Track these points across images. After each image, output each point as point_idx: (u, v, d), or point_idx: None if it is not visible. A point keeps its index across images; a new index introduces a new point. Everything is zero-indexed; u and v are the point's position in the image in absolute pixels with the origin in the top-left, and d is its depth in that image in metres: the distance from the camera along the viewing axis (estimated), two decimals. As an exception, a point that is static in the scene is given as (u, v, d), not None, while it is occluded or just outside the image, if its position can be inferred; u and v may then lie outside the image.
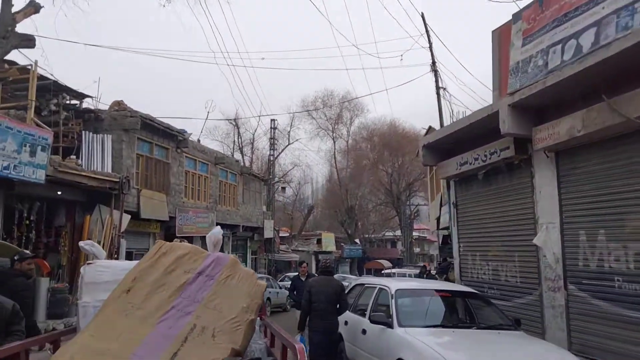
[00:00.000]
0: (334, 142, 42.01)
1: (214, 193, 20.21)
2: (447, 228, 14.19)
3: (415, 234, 53.70)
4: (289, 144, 34.52)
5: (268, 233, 25.96)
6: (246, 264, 24.54)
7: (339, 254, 40.10)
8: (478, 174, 9.49)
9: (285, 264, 33.45)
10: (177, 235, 16.75)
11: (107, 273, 3.69)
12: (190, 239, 18.25)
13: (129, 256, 13.03)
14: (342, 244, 41.86)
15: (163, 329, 3.09)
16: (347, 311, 6.79)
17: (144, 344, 2.98)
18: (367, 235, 50.41)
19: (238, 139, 35.69)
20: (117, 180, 12.52)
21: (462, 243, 10.61)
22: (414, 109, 70.18)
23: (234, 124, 34.69)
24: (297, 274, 10.93)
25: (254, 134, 37.75)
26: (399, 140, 46.55)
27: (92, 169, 12.66)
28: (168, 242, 3.81)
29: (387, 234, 53.11)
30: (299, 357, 3.05)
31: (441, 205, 14.89)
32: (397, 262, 48.76)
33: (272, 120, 30.16)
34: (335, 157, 42.82)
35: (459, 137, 9.84)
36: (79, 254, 11.28)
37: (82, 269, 3.84)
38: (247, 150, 36.74)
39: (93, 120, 14.26)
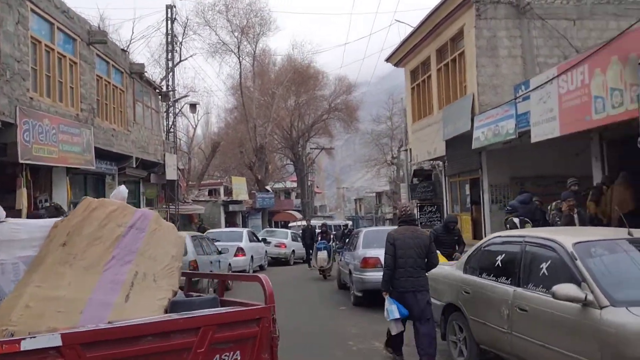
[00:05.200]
0: (240, 63, 34.57)
1: (88, 95, 12.61)
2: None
3: (280, 185, 50.31)
4: (180, 60, 26.65)
5: (171, 173, 18.90)
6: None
7: (251, 204, 33.92)
8: None
9: (183, 219, 26.56)
10: (22, 160, 9.53)
11: (23, 231, 3.82)
12: (44, 171, 11.12)
13: None
14: (253, 191, 35.65)
15: (110, 275, 3.47)
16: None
17: (97, 289, 3.37)
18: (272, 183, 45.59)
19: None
20: None
21: None
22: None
23: None
24: None
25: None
26: (303, 73, 42.20)
27: None
28: (96, 199, 3.91)
29: (276, 184, 48.76)
30: (266, 287, 3.49)
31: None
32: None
33: (169, 7, 21.47)
34: (241, 82, 35.51)
35: None
36: None
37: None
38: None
39: None
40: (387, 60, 18.54)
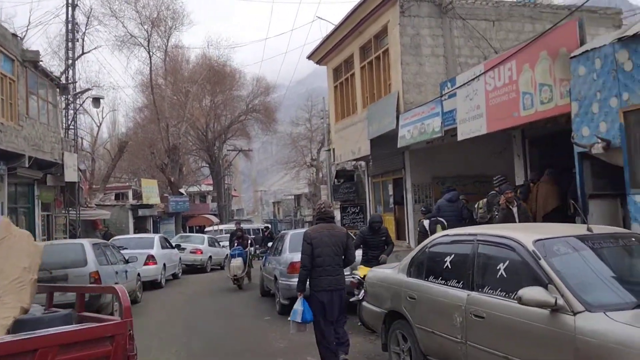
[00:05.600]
0: (150, 57, 32.43)
1: (-32, 83, 10.88)
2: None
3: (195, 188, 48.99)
4: (83, 53, 24.36)
5: (70, 175, 17.02)
6: (33, 226, 15.58)
7: (164, 208, 32.02)
8: None
9: (86, 225, 24.34)
10: None
11: None
12: None
13: None
14: (165, 195, 33.72)
15: None
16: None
17: None
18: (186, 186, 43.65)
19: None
20: None
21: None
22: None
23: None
24: None
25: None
26: (219, 71, 41.03)
27: None
28: None
29: (191, 188, 47.14)
30: (122, 300, 3.19)
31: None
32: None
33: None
34: (152, 78, 33.38)
35: None
36: None
37: None
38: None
39: None
40: (309, 57, 18.05)
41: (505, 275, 3.92)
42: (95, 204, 26.67)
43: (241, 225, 16.07)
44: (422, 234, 9.76)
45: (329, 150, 18.21)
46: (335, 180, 20.45)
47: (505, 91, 8.59)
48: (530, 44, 8.04)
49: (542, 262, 3.61)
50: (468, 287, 4.24)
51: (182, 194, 36.50)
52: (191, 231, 39.76)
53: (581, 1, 9.10)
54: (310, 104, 44.03)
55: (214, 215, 46.32)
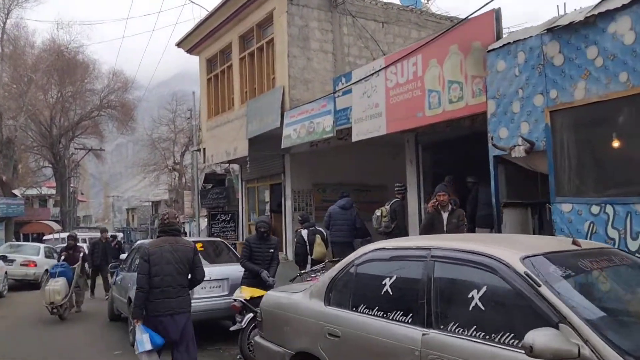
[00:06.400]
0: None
1: None
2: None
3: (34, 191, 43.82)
4: None
5: None
6: None
7: (-10, 212, 26.80)
8: None
9: None
10: None
11: None
12: None
13: None
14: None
15: None
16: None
17: None
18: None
19: None
20: None
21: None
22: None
23: None
24: None
25: None
26: (70, 60, 36.64)
27: None
28: None
29: (29, 190, 41.40)
30: None
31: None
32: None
33: None
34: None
35: None
36: None
37: None
38: None
39: None
40: (179, 45, 16.02)
41: (482, 308, 2.79)
42: None
43: (75, 233, 13.09)
44: (300, 245, 8.75)
45: (198, 150, 16.30)
46: (204, 184, 18.51)
47: (408, 88, 7.79)
48: (439, 36, 7.33)
49: (544, 290, 2.53)
50: (422, 323, 3.05)
51: (15, 195, 31.09)
52: (26, 239, 34.39)
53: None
54: (175, 104, 40.96)
55: (56, 221, 40.69)
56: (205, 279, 5.36)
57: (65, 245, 11.86)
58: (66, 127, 39.61)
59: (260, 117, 11.73)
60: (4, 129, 29.16)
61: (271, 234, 7.11)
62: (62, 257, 11.15)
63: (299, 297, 4.16)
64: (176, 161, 39.92)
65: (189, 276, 5.03)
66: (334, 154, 12.01)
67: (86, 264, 11.79)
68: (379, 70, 8.36)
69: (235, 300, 6.00)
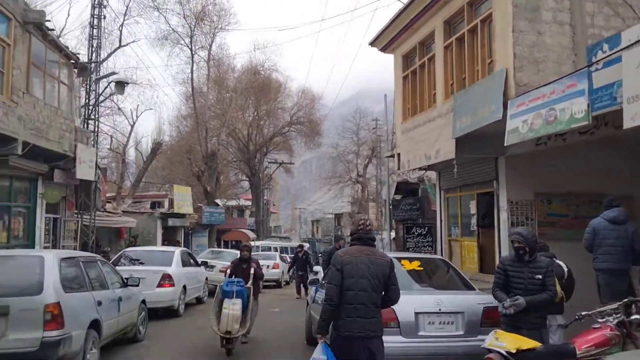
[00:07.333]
0: (192, 55, 30.14)
1: None
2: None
3: (233, 202, 46.30)
4: (120, 45, 22.19)
5: (84, 171, 14.30)
6: (33, 234, 12.81)
7: (197, 219, 29.26)
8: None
9: (110, 234, 21.73)
10: None
11: None
12: None
13: None
14: (199, 205, 31.04)
15: None
16: None
17: None
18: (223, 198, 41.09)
19: None
20: None
21: None
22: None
23: None
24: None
25: None
26: (265, 81, 38.86)
27: None
28: None
29: (229, 202, 44.53)
30: None
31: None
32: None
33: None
34: (192, 78, 31.05)
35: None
36: None
37: None
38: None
39: None
40: (372, 44, 14.88)
41: None
42: (122, 211, 24.24)
43: (249, 243, 11.01)
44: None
45: (392, 156, 14.84)
46: (395, 195, 17.02)
47: None
48: None
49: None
50: None
51: (217, 204, 33.73)
52: (226, 246, 36.77)
53: None
54: (358, 116, 40.87)
55: (251, 230, 43.53)
56: (432, 310, 3.82)
57: (238, 256, 9.49)
58: (261, 143, 42.42)
59: (473, 111, 9.68)
60: (209, 143, 31.96)
61: (536, 253, 4.93)
62: (229, 272, 8.91)
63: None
64: (359, 173, 39.61)
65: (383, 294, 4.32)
66: (561, 156, 9.48)
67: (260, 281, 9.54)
68: (674, 22, 5.75)
69: (490, 350, 4.07)
